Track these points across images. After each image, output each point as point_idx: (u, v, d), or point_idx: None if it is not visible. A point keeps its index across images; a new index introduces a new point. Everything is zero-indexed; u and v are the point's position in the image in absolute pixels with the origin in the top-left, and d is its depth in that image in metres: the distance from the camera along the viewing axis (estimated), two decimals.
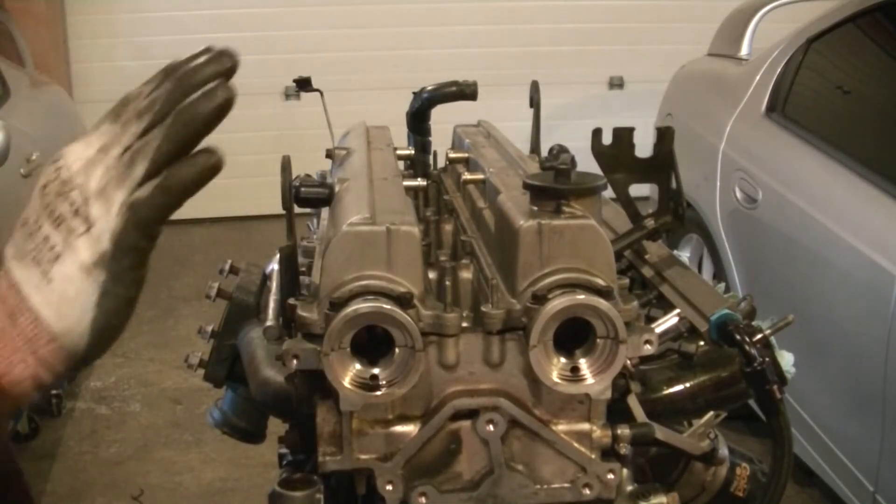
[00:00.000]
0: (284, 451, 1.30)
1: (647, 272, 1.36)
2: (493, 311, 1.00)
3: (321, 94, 1.82)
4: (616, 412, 1.09)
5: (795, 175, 2.97)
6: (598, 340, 0.97)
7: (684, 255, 2.52)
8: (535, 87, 1.67)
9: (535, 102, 1.68)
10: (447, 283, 1.12)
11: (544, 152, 1.51)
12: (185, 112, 0.77)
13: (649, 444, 1.11)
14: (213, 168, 0.77)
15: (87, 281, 0.73)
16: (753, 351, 1.13)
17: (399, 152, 1.59)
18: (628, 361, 1.06)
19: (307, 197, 1.19)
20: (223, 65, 0.82)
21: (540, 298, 0.96)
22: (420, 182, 1.47)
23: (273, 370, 1.23)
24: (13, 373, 0.73)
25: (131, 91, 0.81)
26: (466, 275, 1.15)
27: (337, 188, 1.21)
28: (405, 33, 6.11)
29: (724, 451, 1.20)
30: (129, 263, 0.74)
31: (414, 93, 1.75)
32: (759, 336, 1.15)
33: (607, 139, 1.28)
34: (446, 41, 6.10)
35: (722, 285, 1.35)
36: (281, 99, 6.04)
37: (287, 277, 1.13)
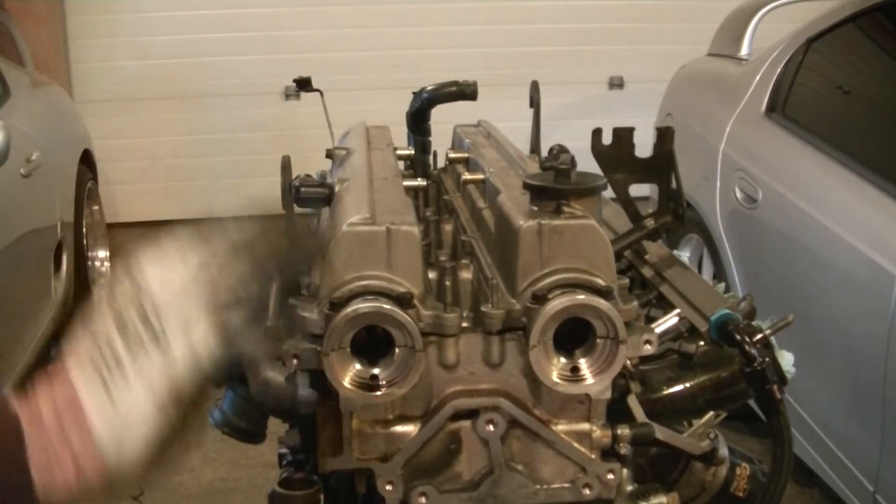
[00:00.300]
0: (284, 451, 1.30)
1: (647, 272, 1.36)
2: (493, 311, 1.00)
3: (321, 94, 1.82)
4: (616, 412, 1.09)
5: (795, 175, 2.97)
6: (598, 340, 0.97)
7: (684, 255, 2.52)
8: (535, 87, 1.67)
9: (535, 102, 1.68)
10: (447, 283, 1.13)
11: (544, 152, 1.51)
12: None
13: (649, 444, 1.11)
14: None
15: (154, 416, 0.72)
16: (753, 351, 1.13)
17: (399, 152, 1.59)
18: (628, 361, 1.06)
19: (307, 197, 1.19)
20: None
21: (540, 298, 0.96)
22: (420, 182, 1.47)
23: (273, 370, 1.23)
24: (55, 482, 0.70)
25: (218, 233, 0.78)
26: (466, 275, 1.15)
27: (337, 188, 1.21)
28: (405, 33, 6.10)
29: (724, 451, 1.20)
30: (191, 406, 0.74)
31: (414, 93, 1.75)
32: (759, 336, 1.15)
33: (607, 139, 1.28)
34: (446, 41, 6.09)
35: (722, 285, 1.35)
36: (281, 99, 6.03)
37: (287, 277, 1.13)
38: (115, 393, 0.71)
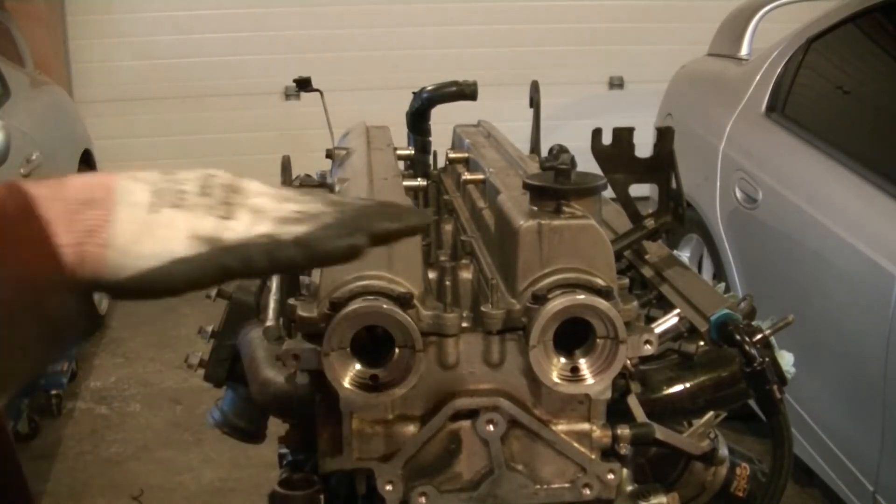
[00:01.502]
0: (284, 451, 1.30)
1: (647, 272, 1.36)
2: (493, 311, 1.00)
3: (321, 94, 1.83)
4: (616, 412, 1.09)
5: (795, 175, 2.97)
6: (598, 340, 0.97)
7: (684, 255, 2.52)
8: (535, 87, 1.67)
9: (535, 102, 1.68)
10: (447, 283, 1.13)
11: (544, 152, 1.51)
12: (374, 221, 0.76)
13: (649, 444, 1.11)
14: (353, 257, 0.75)
15: (184, 242, 0.71)
16: (753, 351, 1.13)
17: (399, 152, 1.59)
18: (628, 361, 1.06)
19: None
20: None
21: (540, 298, 0.96)
22: (420, 182, 1.47)
23: (273, 370, 1.23)
24: (62, 247, 0.69)
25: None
26: (466, 275, 1.15)
27: (337, 188, 1.21)
28: (405, 33, 6.10)
29: (724, 451, 1.20)
30: (223, 270, 0.72)
31: (414, 93, 1.75)
32: (759, 336, 1.15)
33: (607, 139, 1.28)
34: (446, 41, 6.09)
35: (722, 285, 1.35)
36: (281, 99, 6.03)
37: (287, 277, 1.13)
38: (159, 206, 0.70)
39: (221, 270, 0.72)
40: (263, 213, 0.73)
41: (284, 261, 0.73)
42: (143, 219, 0.71)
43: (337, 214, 0.75)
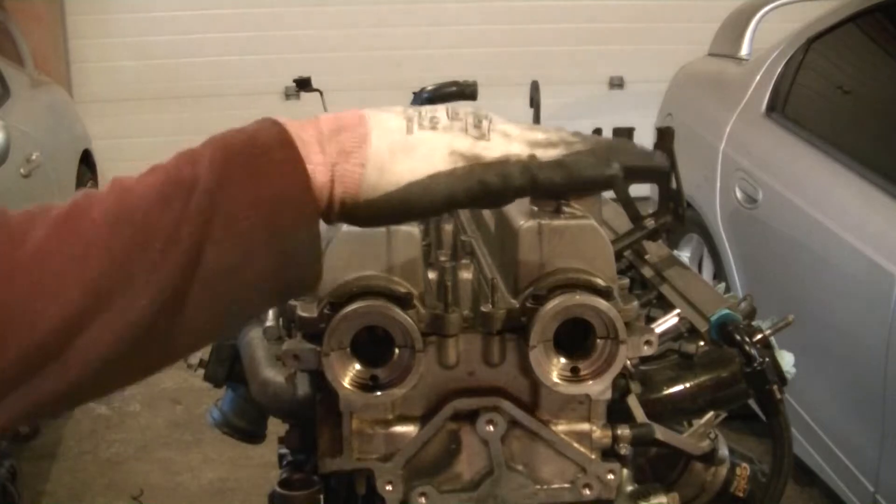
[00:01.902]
0: (284, 451, 1.30)
1: (647, 272, 1.36)
2: (493, 311, 1.00)
3: (321, 94, 1.83)
4: (616, 412, 1.09)
5: (795, 175, 2.97)
6: (598, 340, 0.97)
7: (684, 255, 2.52)
8: (535, 87, 1.67)
9: (535, 102, 1.68)
10: (447, 283, 1.12)
11: None
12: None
13: (649, 445, 1.11)
14: (610, 186, 0.78)
15: (444, 158, 0.72)
16: (753, 351, 1.13)
17: None
18: (628, 362, 1.06)
19: None
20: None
21: (540, 298, 0.96)
22: None
23: (273, 370, 1.23)
24: (316, 172, 0.70)
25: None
26: (466, 275, 1.15)
27: None
28: (406, 33, 6.10)
29: (724, 451, 1.20)
30: (482, 186, 0.73)
31: (414, 93, 1.75)
32: (759, 336, 1.15)
33: None
34: (447, 41, 6.09)
35: (722, 285, 1.35)
36: (281, 99, 6.04)
37: None
38: (413, 126, 0.72)
39: (481, 186, 0.73)
40: (515, 137, 0.75)
41: (544, 181, 0.75)
42: (400, 140, 0.73)
43: (590, 144, 0.76)
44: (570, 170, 0.75)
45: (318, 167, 0.71)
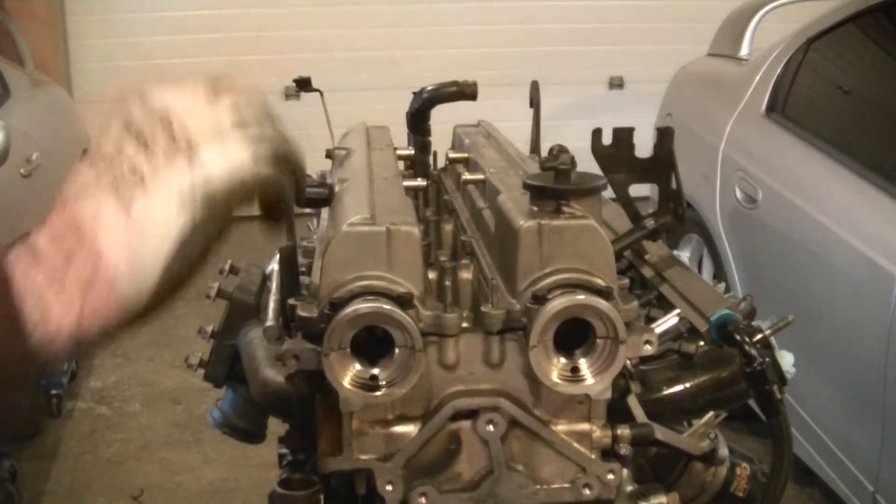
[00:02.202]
0: (284, 451, 1.30)
1: (647, 272, 1.36)
2: (493, 311, 1.00)
3: (321, 94, 1.82)
4: (616, 412, 1.09)
5: (795, 175, 2.97)
6: (598, 340, 0.97)
7: (684, 255, 2.52)
8: (535, 87, 1.67)
9: (535, 102, 1.68)
10: (447, 283, 1.13)
11: (544, 152, 1.51)
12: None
13: (649, 444, 1.11)
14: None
15: (175, 216, 0.63)
16: (753, 351, 1.13)
17: (399, 152, 1.59)
18: (628, 361, 1.06)
19: (307, 197, 1.19)
20: None
21: (540, 298, 0.96)
22: (420, 182, 1.47)
23: (273, 370, 1.23)
24: (50, 321, 0.62)
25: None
26: (466, 275, 1.15)
27: (337, 188, 1.21)
28: (405, 33, 6.10)
29: (724, 451, 1.20)
30: (223, 208, 0.65)
31: (414, 93, 1.75)
32: (759, 336, 1.15)
33: (607, 139, 1.28)
34: (446, 41, 6.09)
35: (722, 285, 1.35)
36: (281, 99, 6.02)
37: (287, 277, 1.13)
38: (128, 198, 0.63)
39: (228, 216, 0.66)
40: (225, 138, 0.66)
41: (278, 184, 0.69)
42: (125, 227, 0.64)
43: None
44: (286, 156, 0.70)
45: (60, 316, 0.63)
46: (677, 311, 1.22)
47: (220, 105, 0.67)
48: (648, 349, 1.02)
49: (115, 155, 0.64)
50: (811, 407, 2.76)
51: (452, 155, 1.59)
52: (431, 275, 1.15)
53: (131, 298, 0.64)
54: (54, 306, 0.62)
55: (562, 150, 1.42)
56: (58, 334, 0.63)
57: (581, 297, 0.95)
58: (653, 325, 1.16)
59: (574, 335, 0.98)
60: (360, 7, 6.03)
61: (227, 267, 1.53)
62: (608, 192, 1.19)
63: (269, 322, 1.25)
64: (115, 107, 0.66)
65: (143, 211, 0.63)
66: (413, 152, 1.70)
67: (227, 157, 0.66)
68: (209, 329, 1.46)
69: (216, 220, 0.65)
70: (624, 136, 1.29)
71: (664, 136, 1.27)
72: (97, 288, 0.63)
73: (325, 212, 1.33)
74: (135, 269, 0.64)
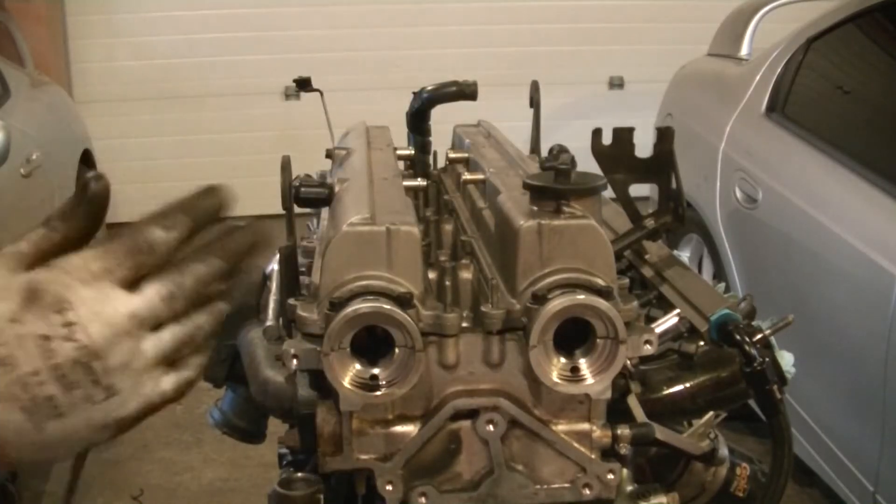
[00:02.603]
0: (284, 451, 1.30)
1: (647, 272, 1.36)
2: (493, 311, 1.00)
3: (321, 94, 1.83)
4: (616, 412, 1.09)
5: (795, 175, 2.97)
6: (598, 340, 0.97)
7: (684, 255, 2.52)
8: (535, 87, 1.67)
9: (535, 102, 1.68)
10: (447, 283, 1.13)
11: (544, 152, 1.51)
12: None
13: (649, 444, 1.11)
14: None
15: (86, 438, 0.65)
16: (753, 351, 1.13)
17: (399, 152, 1.59)
18: (628, 361, 1.06)
19: (307, 197, 1.19)
20: (217, 202, 0.73)
21: (540, 298, 0.96)
22: (420, 182, 1.47)
23: (273, 370, 1.23)
24: None
25: (138, 233, 0.68)
26: (466, 275, 1.15)
27: (337, 188, 1.21)
28: (405, 33, 6.10)
29: (724, 451, 1.20)
30: (130, 427, 0.67)
31: (414, 93, 1.75)
32: (759, 336, 1.15)
33: (607, 139, 1.28)
34: (446, 41, 6.09)
35: (722, 285, 1.35)
36: (281, 99, 6.04)
37: (287, 277, 1.13)
38: (42, 422, 0.63)
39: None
40: (133, 360, 0.65)
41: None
42: (34, 440, 0.63)
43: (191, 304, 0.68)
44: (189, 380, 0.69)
45: None
46: (677, 311, 1.22)
47: (143, 338, 0.67)
48: (648, 349, 1.02)
49: (34, 383, 0.63)
50: (811, 407, 2.76)
51: (452, 155, 1.59)
52: (431, 275, 1.15)
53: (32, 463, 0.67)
54: None
55: (562, 150, 1.42)
56: None
57: (581, 296, 0.95)
58: (653, 325, 1.15)
59: (574, 335, 0.98)
60: (360, 7, 6.04)
61: None
62: (608, 192, 1.19)
63: (269, 322, 1.25)
64: (31, 313, 0.63)
65: (56, 433, 0.64)
66: (413, 152, 1.70)
67: (142, 390, 0.67)
68: None
69: (122, 432, 0.68)
70: (624, 136, 1.28)
71: (664, 136, 1.27)
72: None
73: (325, 212, 1.33)
74: (40, 461, 0.66)
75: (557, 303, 0.95)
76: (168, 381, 0.68)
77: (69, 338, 0.63)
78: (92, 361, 0.63)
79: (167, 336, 0.67)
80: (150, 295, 0.67)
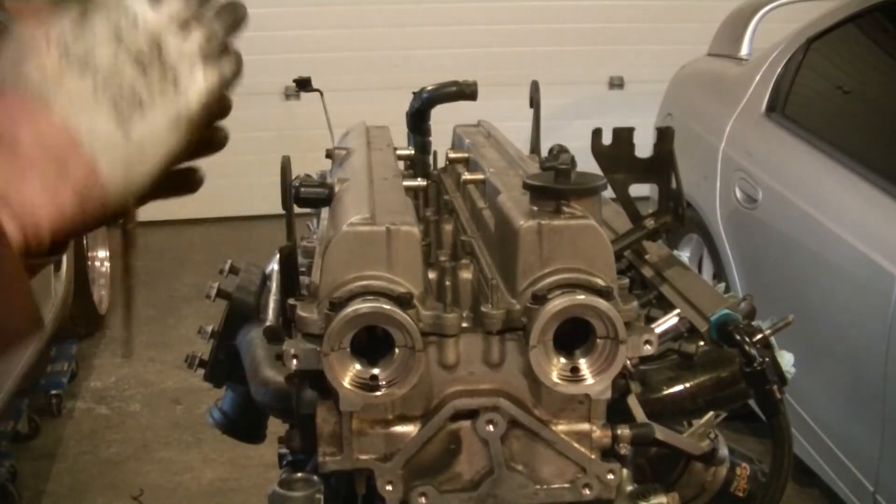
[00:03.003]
0: (284, 451, 1.30)
1: (647, 272, 1.36)
2: (493, 311, 1.00)
3: (321, 94, 1.83)
4: (616, 412, 1.09)
5: (795, 175, 2.97)
6: (598, 340, 0.97)
7: (684, 255, 2.52)
8: (535, 87, 1.67)
9: (535, 102, 1.68)
10: (447, 283, 1.13)
11: (544, 152, 1.51)
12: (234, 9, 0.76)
13: (649, 444, 1.11)
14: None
15: (168, 140, 0.70)
16: (753, 351, 1.13)
17: (399, 152, 1.59)
18: (628, 361, 1.06)
19: (307, 197, 1.19)
20: None
21: (540, 298, 0.96)
22: (420, 182, 1.47)
23: (273, 370, 1.23)
24: (41, 228, 0.65)
25: None
26: (466, 275, 1.15)
27: (337, 188, 1.21)
28: (405, 33, 6.10)
29: (724, 451, 1.20)
30: (198, 130, 0.73)
31: (414, 93, 1.75)
32: (759, 336, 1.15)
33: (607, 139, 1.28)
34: (446, 41, 6.09)
35: (722, 285, 1.35)
36: (281, 99, 6.03)
37: (287, 277, 1.13)
38: (128, 120, 0.68)
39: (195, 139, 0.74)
40: (195, 51, 0.72)
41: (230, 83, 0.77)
42: (123, 149, 0.68)
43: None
44: (236, 67, 0.77)
45: (48, 222, 0.66)
46: (677, 311, 1.22)
47: (193, 30, 0.73)
48: (648, 349, 1.02)
49: (113, 72, 0.68)
50: (811, 407, 2.76)
51: (452, 155, 1.59)
52: (431, 275, 1.15)
53: (116, 206, 0.70)
54: (43, 216, 0.66)
55: (562, 150, 1.42)
56: (41, 237, 0.66)
57: (581, 297, 0.95)
58: (653, 325, 1.16)
59: (574, 335, 0.98)
60: (360, 7, 6.03)
61: (227, 267, 1.53)
62: (608, 192, 1.19)
63: (269, 322, 1.25)
64: (96, 13, 0.70)
65: (142, 136, 0.69)
66: (413, 152, 1.70)
67: (203, 83, 0.73)
68: (209, 329, 1.46)
69: (191, 140, 0.74)
70: (624, 136, 1.28)
71: (664, 136, 1.27)
72: (90, 200, 0.68)
73: (325, 212, 1.33)
74: (127, 186, 0.69)
75: (557, 303, 0.95)
76: (212, 75, 0.74)
77: (135, 24, 0.69)
78: (159, 39, 0.70)
79: (196, 32, 0.73)
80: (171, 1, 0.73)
